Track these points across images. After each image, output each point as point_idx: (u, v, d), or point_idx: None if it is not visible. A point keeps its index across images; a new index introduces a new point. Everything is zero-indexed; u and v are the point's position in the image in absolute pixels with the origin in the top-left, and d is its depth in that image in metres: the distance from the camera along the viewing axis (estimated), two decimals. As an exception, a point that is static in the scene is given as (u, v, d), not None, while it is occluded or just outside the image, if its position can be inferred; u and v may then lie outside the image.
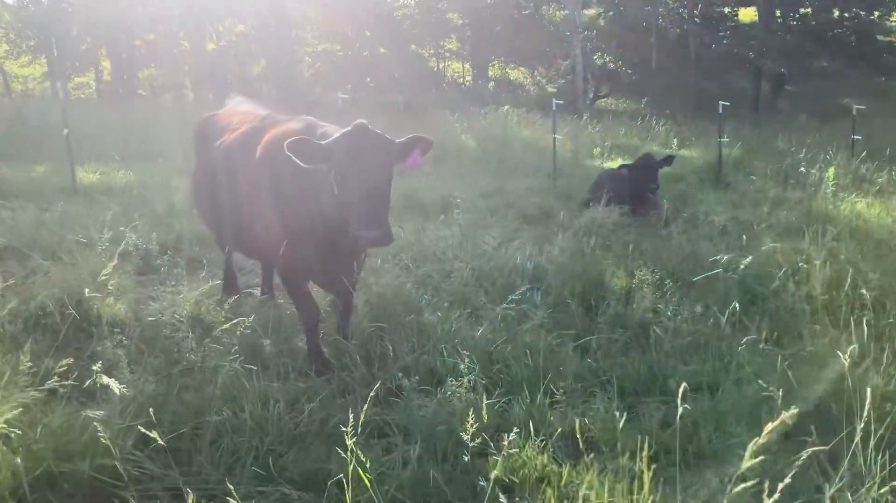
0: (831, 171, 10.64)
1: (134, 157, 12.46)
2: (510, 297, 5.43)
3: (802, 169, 11.45)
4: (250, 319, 5.07)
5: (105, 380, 3.39)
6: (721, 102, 13.87)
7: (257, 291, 6.70)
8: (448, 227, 8.40)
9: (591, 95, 31.04)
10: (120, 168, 11.49)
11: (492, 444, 3.68)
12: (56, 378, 3.85)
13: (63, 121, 9.90)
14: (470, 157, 15.92)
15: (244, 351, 5.14)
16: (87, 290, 5.56)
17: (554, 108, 13.11)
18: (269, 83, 31.10)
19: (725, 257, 5.96)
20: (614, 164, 15.11)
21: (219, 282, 6.76)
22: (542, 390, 4.38)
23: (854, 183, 11.19)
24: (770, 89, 29.93)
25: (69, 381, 3.85)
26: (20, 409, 3.56)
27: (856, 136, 15.22)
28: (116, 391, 3.34)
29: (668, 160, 10.45)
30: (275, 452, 3.84)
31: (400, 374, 4.42)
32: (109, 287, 5.90)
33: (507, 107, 25.03)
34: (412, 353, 4.82)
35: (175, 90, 33.07)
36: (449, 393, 4.11)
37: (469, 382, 4.12)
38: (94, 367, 3.72)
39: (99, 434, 3.14)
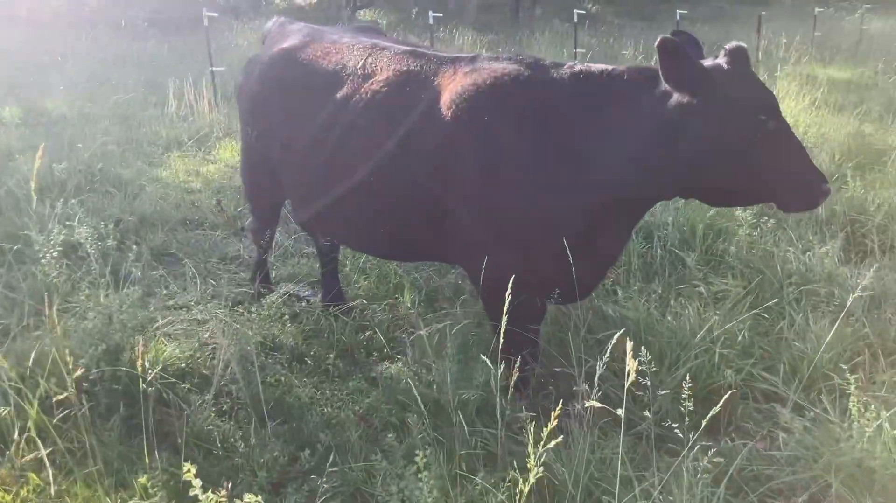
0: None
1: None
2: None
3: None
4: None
5: None
6: (576, 11, 13.37)
7: (299, 290, 4.90)
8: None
9: (352, 5, 29.31)
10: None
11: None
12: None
13: None
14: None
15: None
16: (135, 339, 3.58)
17: (431, 20, 11.63)
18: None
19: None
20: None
21: (241, 288, 4.88)
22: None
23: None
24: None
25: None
26: None
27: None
28: None
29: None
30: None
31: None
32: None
33: (276, 17, 22.70)
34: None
35: None
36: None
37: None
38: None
39: None
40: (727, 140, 2.92)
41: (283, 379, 3.81)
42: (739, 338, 3.91)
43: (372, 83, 3.49)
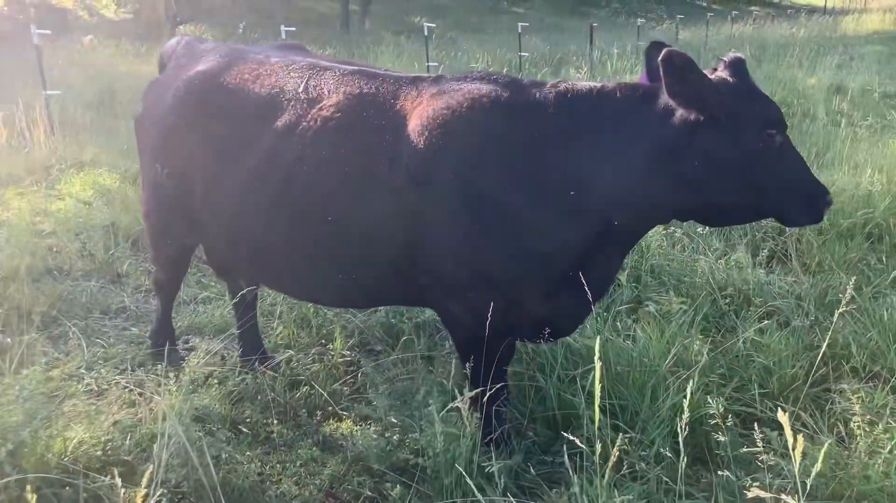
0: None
1: None
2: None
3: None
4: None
5: None
6: (426, 24, 13.22)
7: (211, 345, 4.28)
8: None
9: (172, 20, 27.79)
10: None
11: None
12: None
13: None
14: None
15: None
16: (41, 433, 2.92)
17: (283, 35, 11.01)
18: None
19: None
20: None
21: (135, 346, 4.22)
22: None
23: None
24: (360, 9, 30.11)
25: None
26: None
27: (522, 54, 16.01)
28: None
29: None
30: None
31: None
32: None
33: (90, 36, 21.21)
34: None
35: None
36: None
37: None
38: None
39: None
40: (737, 157, 2.77)
41: (223, 455, 3.26)
42: (703, 358, 3.79)
43: (320, 109, 3.03)
